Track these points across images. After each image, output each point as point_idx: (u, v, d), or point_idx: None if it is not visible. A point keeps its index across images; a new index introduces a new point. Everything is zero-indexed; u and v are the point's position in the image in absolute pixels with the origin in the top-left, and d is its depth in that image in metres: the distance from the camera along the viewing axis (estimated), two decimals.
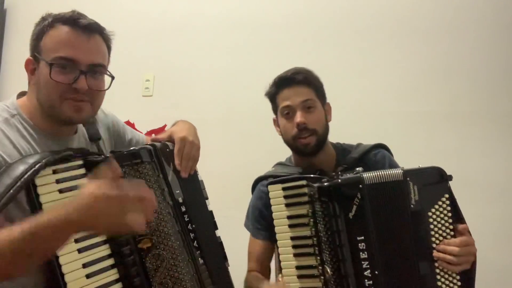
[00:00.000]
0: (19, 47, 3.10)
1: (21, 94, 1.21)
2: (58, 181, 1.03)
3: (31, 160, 0.99)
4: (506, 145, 2.11)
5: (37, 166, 0.97)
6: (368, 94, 2.35)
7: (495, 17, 2.18)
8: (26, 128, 1.13)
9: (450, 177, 1.27)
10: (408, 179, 1.26)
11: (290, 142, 1.52)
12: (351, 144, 1.64)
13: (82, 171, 1.09)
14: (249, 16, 2.64)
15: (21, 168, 0.97)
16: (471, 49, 2.20)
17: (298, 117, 1.46)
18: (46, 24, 1.12)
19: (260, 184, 1.61)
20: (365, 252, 1.23)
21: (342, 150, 1.60)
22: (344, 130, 2.14)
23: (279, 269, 1.45)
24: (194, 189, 1.34)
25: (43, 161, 0.99)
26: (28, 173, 0.96)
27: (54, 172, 1.03)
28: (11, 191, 0.93)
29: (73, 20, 1.12)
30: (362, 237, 1.23)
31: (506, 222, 2.06)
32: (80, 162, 1.10)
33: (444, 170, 1.28)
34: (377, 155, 1.56)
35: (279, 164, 1.65)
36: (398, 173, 1.27)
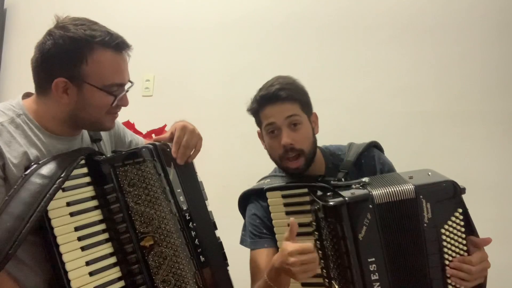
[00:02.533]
0: (19, 47, 3.10)
1: (26, 95, 1.23)
2: (68, 204, 1.10)
3: (46, 174, 1.06)
4: (506, 145, 2.12)
5: (52, 190, 1.03)
6: (368, 94, 2.35)
7: (495, 17, 2.19)
8: (31, 128, 1.15)
9: (463, 190, 1.22)
10: (421, 196, 1.20)
11: (277, 161, 1.45)
12: (338, 145, 1.58)
13: (87, 179, 1.15)
14: (249, 16, 2.64)
15: (37, 186, 1.04)
16: (471, 49, 2.21)
17: (284, 137, 1.37)
18: (82, 48, 1.12)
19: (254, 198, 1.52)
20: (376, 274, 1.18)
21: (331, 154, 1.53)
22: (343, 130, 2.16)
23: None
24: (194, 189, 1.34)
25: (58, 182, 1.05)
26: (44, 200, 1.02)
27: (64, 190, 1.09)
28: (30, 220, 0.99)
29: (115, 44, 1.16)
30: (373, 259, 1.19)
31: (505, 222, 2.07)
32: (85, 170, 1.15)
33: (457, 183, 1.22)
34: (368, 156, 1.51)
35: (273, 176, 1.55)
36: (410, 190, 1.21)
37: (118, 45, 1.16)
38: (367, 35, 2.39)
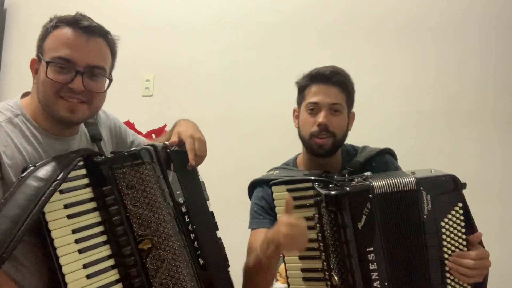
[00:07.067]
0: (19, 47, 3.10)
1: (25, 95, 1.23)
2: (66, 206, 1.08)
3: (43, 177, 1.04)
4: (505, 145, 2.13)
5: (47, 193, 1.02)
6: (368, 94, 2.34)
7: (495, 17, 2.19)
8: (29, 128, 1.15)
9: (464, 185, 1.22)
10: (421, 188, 1.21)
11: (306, 138, 1.47)
12: (354, 145, 1.61)
13: (85, 180, 1.13)
14: (249, 16, 2.64)
15: (33, 189, 1.02)
16: (471, 49, 2.21)
17: (321, 117, 1.41)
18: (51, 25, 1.15)
19: (262, 184, 1.54)
20: (374, 263, 1.19)
21: (347, 151, 1.57)
22: None
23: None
24: (195, 190, 1.33)
25: (54, 185, 1.03)
26: (39, 203, 1.00)
27: (62, 192, 1.08)
28: (25, 223, 0.98)
29: (75, 21, 1.14)
30: (372, 248, 1.20)
31: (505, 222, 2.06)
32: (83, 171, 1.13)
33: (458, 178, 1.23)
34: (380, 161, 1.52)
35: (282, 168, 1.59)
36: (411, 182, 1.22)
37: (84, 26, 1.14)
38: (367, 35, 2.39)
